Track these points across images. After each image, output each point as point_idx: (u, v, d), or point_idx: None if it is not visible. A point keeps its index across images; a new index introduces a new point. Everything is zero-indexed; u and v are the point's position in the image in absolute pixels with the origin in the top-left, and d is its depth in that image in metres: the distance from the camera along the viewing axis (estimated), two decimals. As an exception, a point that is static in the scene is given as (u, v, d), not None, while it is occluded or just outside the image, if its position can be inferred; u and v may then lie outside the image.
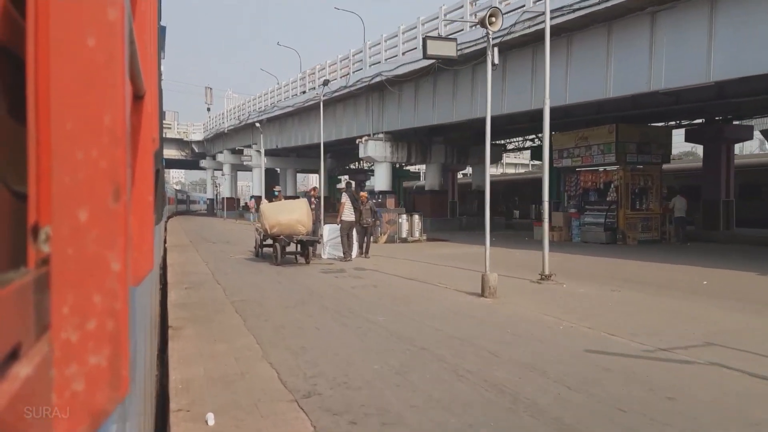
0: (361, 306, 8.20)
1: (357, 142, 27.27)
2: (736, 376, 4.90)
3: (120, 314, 0.51)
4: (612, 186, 19.68)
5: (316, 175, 69.20)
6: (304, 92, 32.78)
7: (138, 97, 0.93)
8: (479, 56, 19.89)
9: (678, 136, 25.63)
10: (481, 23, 8.30)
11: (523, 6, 17.13)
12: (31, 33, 0.48)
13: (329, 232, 15.49)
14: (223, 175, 53.48)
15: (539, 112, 21.28)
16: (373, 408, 4.14)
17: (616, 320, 7.17)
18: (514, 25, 17.57)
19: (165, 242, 17.42)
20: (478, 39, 18.61)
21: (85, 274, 0.50)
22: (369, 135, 26.88)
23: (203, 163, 57.11)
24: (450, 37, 14.89)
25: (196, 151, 57.56)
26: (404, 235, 21.15)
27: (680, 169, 28.10)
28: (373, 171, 52.74)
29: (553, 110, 20.14)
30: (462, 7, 19.81)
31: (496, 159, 33.34)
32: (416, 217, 21.64)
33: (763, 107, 22.33)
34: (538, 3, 16.70)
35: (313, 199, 16.70)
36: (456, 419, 3.92)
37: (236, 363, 5.42)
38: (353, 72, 27.29)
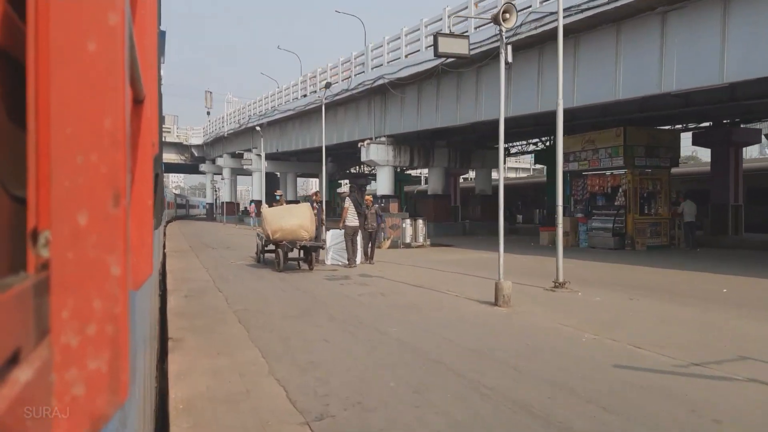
0: (370, 315, 7.83)
1: (359, 145, 26.92)
2: (780, 394, 4.54)
3: (120, 319, 0.51)
4: (620, 190, 19.31)
5: (316, 180, 69.00)
6: (305, 95, 32.47)
7: (138, 102, 0.92)
8: (484, 58, 19.61)
9: (684, 139, 25.28)
10: (494, 20, 7.98)
11: (530, 6, 16.80)
12: (32, 37, 0.48)
13: (332, 237, 15.13)
14: (222, 179, 53.13)
15: (544, 115, 21.17)
16: (393, 433, 3.77)
17: (639, 331, 6.80)
18: (520, 26, 17.21)
19: (164, 247, 17.06)
20: (483, 41, 18.30)
21: (85, 278, 0.50)
22: (371, 138, 26.53)
23: (203, 167, 56.78)
24: (462, 34, 14.52)
25: (196, 155, 57.24)
26: (408, 240, 20.80)
27: (687, 173, 27.77)
28: (373, 175, 52.63)
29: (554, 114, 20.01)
30: (466, 8, 19.48)
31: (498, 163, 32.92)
32: (420, 221, 21.29)
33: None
34: (545, 3, 16.38)
35: (315, 204, 16.34)
36: (485, 446, 3.56)
37: (241, 379, 5.05)
38: (355, 75, 26.97)
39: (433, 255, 17.56)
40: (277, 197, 19.09)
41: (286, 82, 36.18)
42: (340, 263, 14.65)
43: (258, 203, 38.60)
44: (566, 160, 21.79)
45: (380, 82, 24.43)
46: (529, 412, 4.10)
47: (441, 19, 21.00)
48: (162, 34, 6.74)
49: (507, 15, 7.90)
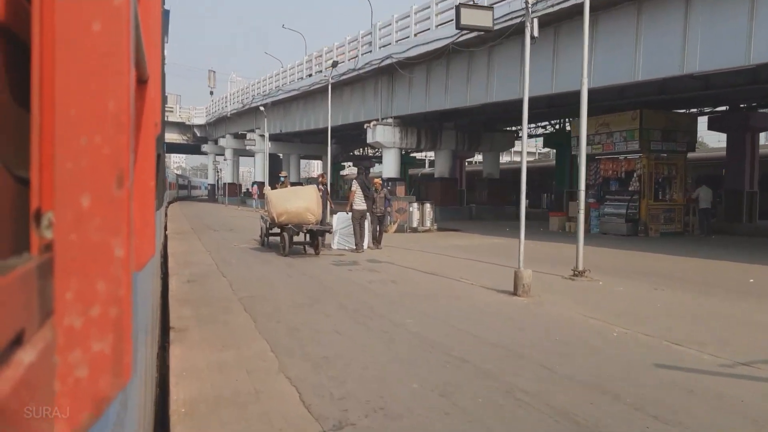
0: (382, 305, 7.40)
1: (365, 126, 26.33)
2: None
3: (123, 301, 0.51)
4: (634, 175, 18.77)
5: (319, 162, 68.35)
6: (310, 75, 31.79)
7: (141, 82, 0.92)
8: (497, 37, 18.97)
9: (699, 124, 24.64)
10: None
11: (546, -17, 16.15)
12: (36, 17, 0.47)
13: (338, 221, 14.67)
14: (225, 160, 52.54)
15: (558, 97, 20.56)
16: (422, 445, 3.34)
17: (673, 326, 6.36)
18: (536, 3, 16.58)
19: (166, 229, 16.63)
20: (497, 19, 17.61)
21: (89, 260, 0.50)
22: (377, 120, 25.92)
23: (205, 147, 56.16)
24: (487, 6, 13.87)
25: (198, 135, 56.56)
26: (415, 224, 20.33)
27: (698, 158, 27.17)
28: (377, 157, 52.02)
29: (573, 94, 19.37)
30: (479, -16, 18.77)
31: (508, 146, 32.32)
32: (428, 205, 20.79)
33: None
34: (562, -20, 15.72)
35: (321, 186, 15.86)
36: (529, 464, 3.13)
37: (249, 377, 4.62)
38: (362, 54, 26.29)
39: (441, 240, 17.10)
40: (282, 179, 18.60)
41: (290, 63, 35.49)
42: (346, 248, 14.22)
43: (261, 185, 38.09)
44: (579, 143, 21.25)
45: (388, 61, 23.78)
46: (573, 421, 3.66)
47: (452, -4, 20.32)
48: (166, 14, 6.74)
49: (533, -15, 7.35)
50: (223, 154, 52.63)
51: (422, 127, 26.71)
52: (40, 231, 0.49)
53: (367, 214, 14.06)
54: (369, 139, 26.27)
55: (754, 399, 4.14)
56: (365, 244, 14.02)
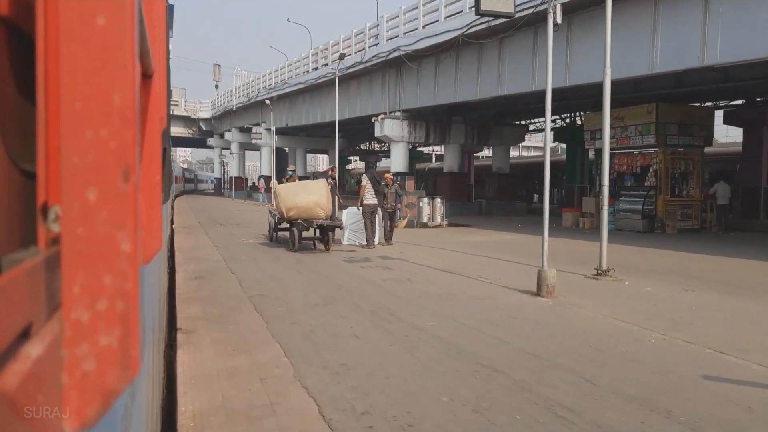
0: (401, 306, 7.03)
1: (372, 120, 25.91)
2: None
3: (130, 295, 0.51)
4: (650, 170, 18.31)
5: (325, 156, 67.96)
6: (316, 68, 31.38)
7: (146, 76, 0.92)
8: (508, 29, 18.54)
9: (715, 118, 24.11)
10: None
11: (561, -29, 15.65)
12: (41, 11, 0.48)
13: (348, 216, 14.30)
14: (231, 153, 52.18)
15: (571, 90, 20.11)
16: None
17: (711, 330, 5.98)
18: (544, -3, 16.15)
19: (172, 223, 16.32)
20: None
21: (96, 254, 0.50)
22: (385, 113, 25.51)
23: (211, 141, 55.82)
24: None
25: (204, 129, 56.22)
26: (425, 219, 19.94)
27: (712, 153, 26.66)
28: (384, 152, 51.60)
29: (587, 87, 18.92)
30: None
31: (518, 140, 31.85)
32: (438, 200, 20.40)
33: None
34: (578, -32, 15.24)
35: (330, 180, 15.47)
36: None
37: (263, 387, 4.27)
38: (368, 47, 25.85)
39: (452, 236, 16.72)
40: (289, 173, 18.25)
41: (296, 56, 35.07)
42: (356, 243, 13.86)
43: (267, 178, 37.75)
44: (592, 137, 20.83)
45: (395, 54, 23.35)
46: (626, 444, 3.29)
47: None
48: (170, 8, 6.71)
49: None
50: (228, 148, 52.26)
51: (431, 121, 26.29)
52: (47, 225, 0.49)
53: (378, 209, 13.70)
54: (377, 133, 25.86)
55: (819, 416, 3.76)
56: (376, 240, 13.66)
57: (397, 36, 23.69)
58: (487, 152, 48.00)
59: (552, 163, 34.76)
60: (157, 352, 2.58)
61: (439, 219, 20.17)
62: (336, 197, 15.81)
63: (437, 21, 21.36)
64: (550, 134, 8.52)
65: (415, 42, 22.21)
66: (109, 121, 0.49)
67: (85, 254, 0.49)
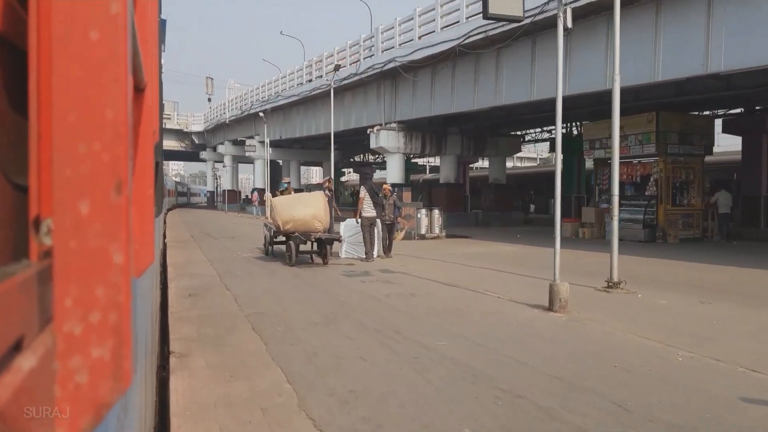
0: (406, 322, 6.66)
1: (368, 131, 25.64)
2: None
3: (123, 307, 0.51)
4: (651, 179, 18.07)
5: (318, 168, 67.63)
6: (310, 80, 31.14)
7: (139, 90, 0.92)
8: (505, 39, 18.37)
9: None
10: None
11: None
12: (34, 25, 0.48)
13: (346, 228, 13.94)
14: (224, 167, 51.79)
15: (569, 99, 19.82)
16: None
17: (737, 347, 5.64)
18: (547, 3, 15.98)
19: (164, 237, 15.88)
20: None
21: (88, 266, 0.50)
22: (380, 125, 25.26)
23: (203, 154, 55.41)
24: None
25: (197, 142, 55.82)
26: (423, 231, 19.60)
27: (712, 162, 26.51)
28: (378, 164, 51.33)
29: (584, 97, 18.72)
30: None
31: (514, 150, 31.65)
32: (436, 211, 20.08)
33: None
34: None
35: (327, 192, 15.11)
36: None
37: (264, 418, 3.89)
38: (363, 59, 25.65)
39: (451, 248, 16.37)
40: (285, 185, 17.86)
41: (289, 68, 34.86)
42: (355, 257, 13.49)
43: (261, 191, 37.36)
44: (591, 147, 20.62)
45: (391, 65, 23.15)
46: (677, 483, 2.93)
47: (457, -1, 19.71)
48: (163, 23, 6.73)
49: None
50: (221, 161, 51.90)
51: (427, 132, 26.06)
52: (40, 237, 0.49)
53: (377, 221, 13.35)
54: (372, 144, 25.58)
55: None
56: (375, 253, 13.29)
57: (393, 47, 23.51)
58: (481, 163, 47.87)
59: (549, 174, 34.58)
60: (150, 369, 2.51)
61: (437, 230, 19.85)
62: (333, 209, 15.46)
63: (433, 32, 21.19)
64: (560, 143, 8.22)
65: (411, 53, 22.03)
66: (101, 134, 0.49)
67: (77, 267, 0.49)
